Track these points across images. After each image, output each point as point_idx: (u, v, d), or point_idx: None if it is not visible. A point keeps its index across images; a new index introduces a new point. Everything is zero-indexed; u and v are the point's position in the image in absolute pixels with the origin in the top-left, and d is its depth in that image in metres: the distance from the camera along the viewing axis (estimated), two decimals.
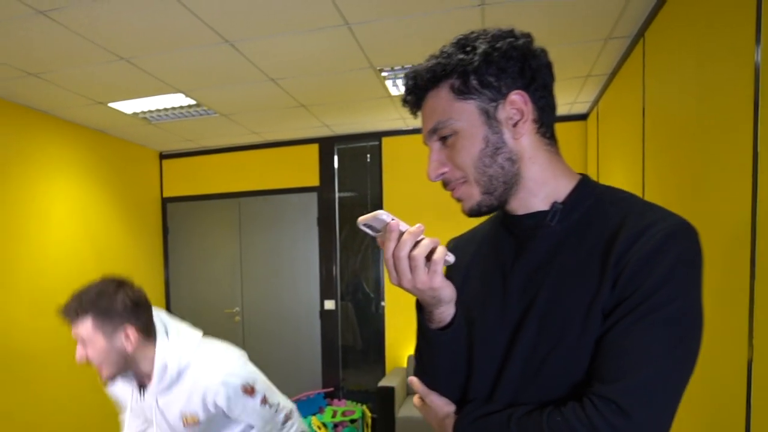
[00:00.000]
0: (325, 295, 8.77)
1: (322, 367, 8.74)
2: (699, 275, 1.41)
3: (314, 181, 8.72)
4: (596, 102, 6.88)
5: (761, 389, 2.68)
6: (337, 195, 8.69)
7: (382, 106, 6.97)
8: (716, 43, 3.25)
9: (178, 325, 3.31)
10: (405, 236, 1.43)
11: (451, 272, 1.55)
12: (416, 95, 1.64)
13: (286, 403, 3.33)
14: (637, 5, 4.41)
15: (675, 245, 1.37)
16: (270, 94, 6.34)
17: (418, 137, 1.65)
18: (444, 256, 1.45)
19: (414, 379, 1.78)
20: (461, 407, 1.66)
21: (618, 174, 5.71)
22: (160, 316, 3.26)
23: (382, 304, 8.46)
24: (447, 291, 1.51)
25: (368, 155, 8.63)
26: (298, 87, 6.17)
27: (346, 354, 8.90)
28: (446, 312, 1.57)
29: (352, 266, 8.96)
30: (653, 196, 4.44)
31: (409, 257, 1.44)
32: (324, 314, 8.78)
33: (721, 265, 3.14)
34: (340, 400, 8.37)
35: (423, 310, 1.62)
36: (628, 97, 5.29)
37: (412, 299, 1.59)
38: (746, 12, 2.78)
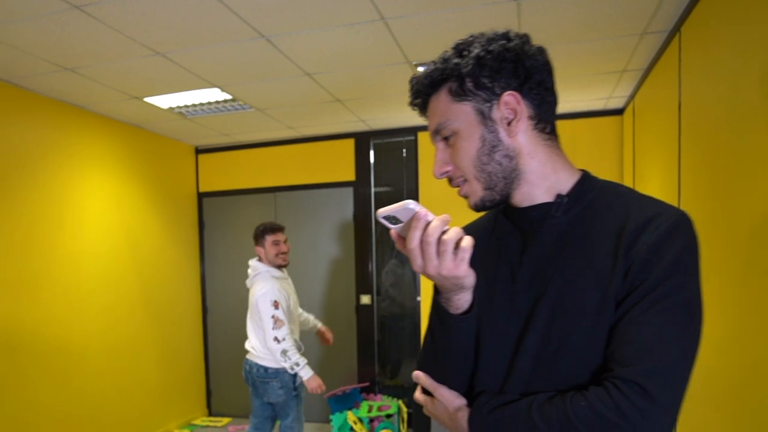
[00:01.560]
0: (361, 289, 8.76)
1: (358, 361, 8.76)
2: (699, 262, 1.52)
3: (350, 176, 8.70)
4: (632, 97, 6.85)
5: None
6: (373, 190, 8.66)
7: None
8: (753, 37, 3.22)
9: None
10: (435, 222, 1.45)
11: None
12: (422, 99, 1.74)
13: None
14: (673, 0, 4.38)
15: (679, 235, 1.48)
16: (306, 89, 6.33)
17: None
18: (472, 245, 1.47)
19: (420, 374, 1.80)
20: (470, 400, 1.69)
21: (654, 169, 5.66)
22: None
23: (418, 299, 8.43)
24: (470, 279, 1.54)
25: (404, 150, 8.58)
26: (333, 82, 6.16)
27: (382, 349, 8.88)
28: (465, 298, 1.60)
29: (388, 261, 8.91)
30: (688, 191, 4.45)
31: (439, 242, 1.45)
32: (360, 309, 8.76)
33: (763, 262, 3.09)
34: (375, 395, 8.36)
35: (440, 295, 1.63)
36: (664, 92, 5.23)
37: None
38: None
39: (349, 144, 8.67)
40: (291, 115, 7.48)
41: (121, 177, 7.49)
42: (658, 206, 1.55)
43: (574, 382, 1.51)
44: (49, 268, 6.29)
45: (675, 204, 4.62)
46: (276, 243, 5.97)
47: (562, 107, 7.30)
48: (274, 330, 5.70)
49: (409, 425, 7.85)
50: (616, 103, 7.32)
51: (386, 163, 8.73)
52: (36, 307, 6.10)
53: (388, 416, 7.65)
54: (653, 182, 5.67)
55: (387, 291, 8.92)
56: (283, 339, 5.71)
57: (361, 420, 7.49)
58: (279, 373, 5.85)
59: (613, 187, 1.68)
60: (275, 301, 5.75)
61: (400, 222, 1.50)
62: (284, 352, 5.69)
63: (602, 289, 1.50)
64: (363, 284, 8.75)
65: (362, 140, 8.62)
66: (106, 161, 7.21)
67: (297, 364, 5.73)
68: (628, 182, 7.01)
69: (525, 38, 1.67)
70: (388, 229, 1.54)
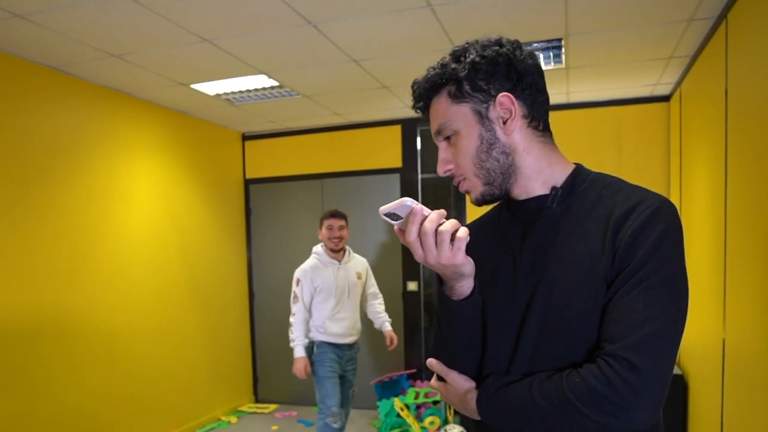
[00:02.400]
0: (407, 276, 8.76)
1: (405, 348, 8.76)
2: (681, 244, 1.63)
3: (397, 162, 8.69)
4: (679, 83, 6.80)
5: None
6: (419, 176, 8.65)
7: None
8: None
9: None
10: (432, 215, 1.56)
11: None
12: (423, 102, 1.87)
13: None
14: None
15: (659, 220, 1.59)
16: (353, 75, 6.32)
17: None
18: (467, 235, 1.58)
19: (433, 361, 1.93)
20: (479, 383, 1.83)
21: (701, 156, 5.60)
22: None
23: None
24: (468, 266, 1.66)
25: None
26: (380, 68, 6.14)
27: (429, 335, 8.77)
28: (466, 285, 1.73)
29: None
30: (736, 178, 4.39)
31: (436, 233, 1.57)
32: (407, 295, 8.77)
33: None
34: (422, 381, 8.35)
35: (444, 284, 1.76)
36: (710, 79, 5.20)
37: None
38: None
39: (396, 130, 8.66)
40: (338, 101, 7.48)
41: (168, 163, 7.55)
42: (642, 194, 1.68)
43: (573, 360, 1.63)
44: (96, 255, 6.37)
45: (722, 191, 4.65)
46: (330, 228, 6.29)
47: (609, 93, 7.28)
48: (292, 305, 6.25)
49: (456, 412, 7.84)
50: (662, 90, 7.26)
51: (433, 150, 8.53)
52: (83, 293, 6.18)
53: (435, 403, 7.67)
54: (700, 169, 5.60)
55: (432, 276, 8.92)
56: (293, 314, 6.21)
57: (407, 406, 7.52)
58: (307, 350, 6.23)
59: (603, 178, 1.82)
60: (297, 279, 6.29)
61: (400, 218, 1.60)
62: (290, 326, 6.19)
63: (594, 273, 1.63)
64: (410, 271, 8.74)
65: (409, 127, 8.60)
66: (152, 148, 7.28)
67: (292, 341, 6.13)
68: (675, 169, 6.99)
69: (516, 44, 1.79)
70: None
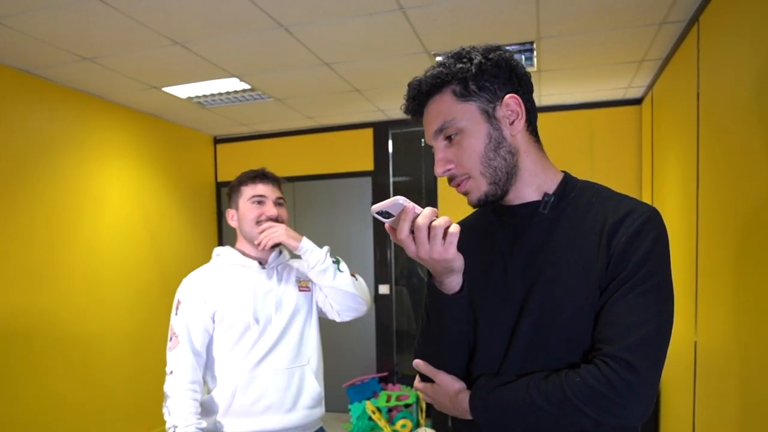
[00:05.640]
0: (379, 279, 8.74)
1: (377, 351, 8.76)
2: (669, 251, 1.71)
3: (368, 165, 8.68)
4: (651, 87, 6.83)
5: None
6: (391, 180, 8.64)
7: None
8: None
9: None
10: (426, 211, 1.59)
11: None
12: (419, 101, 1.87)
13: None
14: None
15: (651, 228, 1.67)
16: (324, 78, 6.31)
17: None
18: (459, 230, 1.62)
19: (419, 362, 1.96)
20: (468, 384, 1.87)
21: (672, 159, 5.64)
22: None
23: None
24: (458, 262, 1.69)
25: (423, 140, 8.44)
26: (352, 71, 6.13)
27: (401, 338, 8.84)
28: (455, 281, 1.75)
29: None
30: (707, 181, 4.42)
31: (429, 228, 1.60)
32: (379, 299, 8.74)
33: None
34: (394, 384, 8.33)
35: (433, 278, 1.78)
36: (682, 82, 5.21)
37: None
38: None
39: (368, 134, 8.66)
40: (309, 104, 7.47)
41: (140, 167, 7.50)
42: (632, 203, 1.76)
43: (564, 363, 1.70)
44: (68, 258, 6.31)
45: (694, 194, 4.69)
46: (259, 200, 3.42)
47: (581, 97, 7.31)
48: (168, 351, 3.14)
49: (428, 415, 7.85)
50: (634, 93, 7.29)
51: (405, 153, 8.72)
52: (54, 296, 6.12)
53: (407, 406, 7.67)
54: (672, 172, 5.64)
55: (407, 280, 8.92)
56: (170, 372, 3.07)
57: (379, 410, 7.51)
58: None
59: (591, 186, 1.89)
60: (178, 301, 3.22)
61: (392, 216, 1.64)
62: (165, 398, 3.05)
63: (588, 277, 1.69)
64: (381, 274, 8.74)
65: (381, 130, 8.60)
66: (124, 151, 7.22)
67: (175, 426, 2.93)
68: (646, 172, 7.03)
69: (511, 52, 1.86)
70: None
